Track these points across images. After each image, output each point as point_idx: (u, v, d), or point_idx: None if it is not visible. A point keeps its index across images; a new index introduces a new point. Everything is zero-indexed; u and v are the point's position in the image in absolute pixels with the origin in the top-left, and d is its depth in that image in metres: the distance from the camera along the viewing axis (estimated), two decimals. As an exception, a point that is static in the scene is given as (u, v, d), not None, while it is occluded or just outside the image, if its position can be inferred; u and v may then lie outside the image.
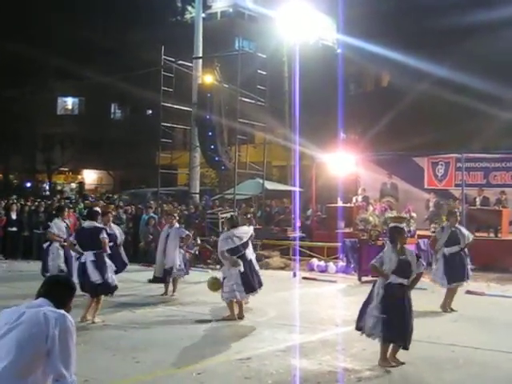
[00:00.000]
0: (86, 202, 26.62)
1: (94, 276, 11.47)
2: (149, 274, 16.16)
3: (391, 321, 8.49)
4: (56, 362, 4.22)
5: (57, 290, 4.57)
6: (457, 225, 13.18)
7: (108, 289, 11.71)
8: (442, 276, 12.88)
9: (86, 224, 12.21)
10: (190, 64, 26.60)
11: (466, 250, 13.12)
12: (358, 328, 8.90)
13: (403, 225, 9.50)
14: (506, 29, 29.49)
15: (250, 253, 12.19)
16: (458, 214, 13.70)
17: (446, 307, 12.50)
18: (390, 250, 8.89)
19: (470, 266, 13.13)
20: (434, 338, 10.22)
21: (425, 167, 24.14)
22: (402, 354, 9.00)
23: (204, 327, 11.11)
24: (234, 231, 12.02)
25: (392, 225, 9.43)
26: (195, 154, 26.96)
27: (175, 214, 15.58)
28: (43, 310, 4.32)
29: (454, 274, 12.81)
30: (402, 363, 8.61)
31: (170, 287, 14.56)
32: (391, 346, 8.71)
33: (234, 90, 23.63)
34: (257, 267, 12.28)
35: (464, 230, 13.23)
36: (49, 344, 4.21)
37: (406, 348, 8.64)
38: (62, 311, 4.39)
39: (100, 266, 11.54)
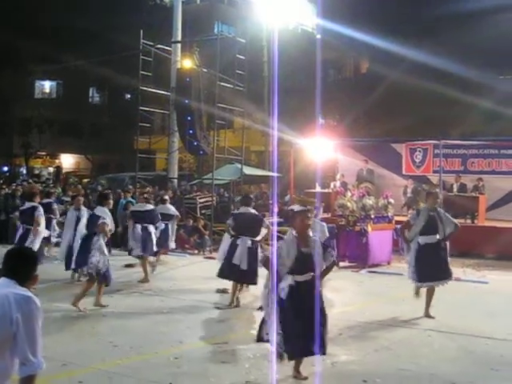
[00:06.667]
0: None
1: (243, 263, 11.60)
2: (126, 258, 16.10)
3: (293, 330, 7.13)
4: (22, 346, 4.14)
5: (20, 266, 4.39)
6: (438, 209, 11.10)
7: (252, 279, 11.67)
8: (413, 272, 10.85)
9: (242, 209, 12.23)
10: (168, 48, 26.45)
11: (447, 242, 10.92)
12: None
13: (305, 208, 7.50)
14: (487, 16, 29.66)
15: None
16: (437, 194, 12.29)
17: (427, 313, 10.71)
18: (290, 239, 7.35)
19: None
20: (411, 323, 10.32)
21: (403, 153, 24.26)
22: (379, 339, 9.06)
23: (181, 312, 11.08)
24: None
25: (292, 208, 7.89)
26: (174, 138, 26.88)
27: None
28: (5, 292, 4.20)
29: (428, 271, 10.71)
30: (305, 378, 7.37)
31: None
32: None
33: (213, 74, 23.51)
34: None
35: (448, 216, 10.96)
36: (14, 327, 4.13)
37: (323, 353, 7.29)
38: (27, 293, 4.26)
39: (254, 254, 11.68)
